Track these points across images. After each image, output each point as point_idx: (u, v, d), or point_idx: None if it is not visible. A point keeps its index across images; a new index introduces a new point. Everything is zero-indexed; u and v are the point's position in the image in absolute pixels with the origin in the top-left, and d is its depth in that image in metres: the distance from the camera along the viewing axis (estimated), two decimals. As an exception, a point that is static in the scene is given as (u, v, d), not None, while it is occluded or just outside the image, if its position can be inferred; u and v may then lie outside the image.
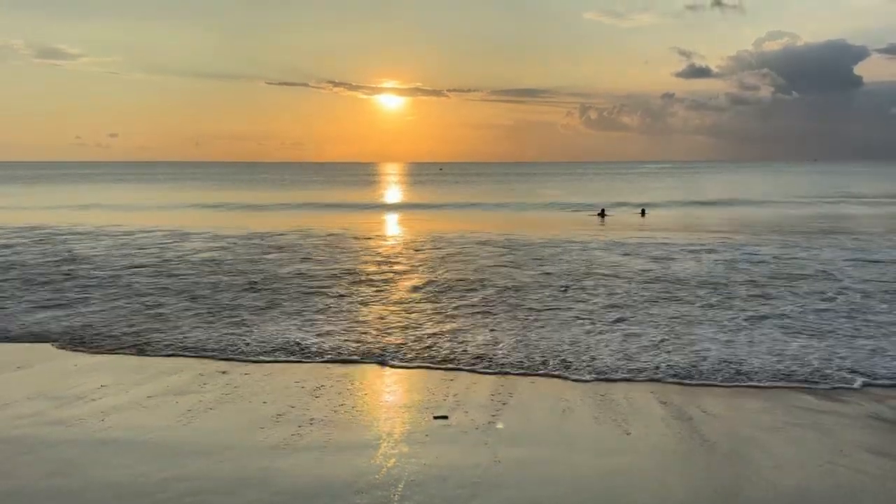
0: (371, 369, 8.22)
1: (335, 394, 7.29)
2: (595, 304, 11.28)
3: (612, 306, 11.10)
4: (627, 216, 29.47)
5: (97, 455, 5.92)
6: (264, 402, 7.07)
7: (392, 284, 13.31)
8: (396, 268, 15.40)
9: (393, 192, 55.57)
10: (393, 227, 26.42)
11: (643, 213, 30.89)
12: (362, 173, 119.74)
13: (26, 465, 5.73)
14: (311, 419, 6.58)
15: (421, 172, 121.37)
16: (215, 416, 6.74)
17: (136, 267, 15.61)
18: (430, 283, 13.33)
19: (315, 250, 18.42)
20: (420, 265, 15.72)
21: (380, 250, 18.71)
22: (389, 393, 7.51)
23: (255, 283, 13.36)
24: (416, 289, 12.76)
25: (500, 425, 6.46)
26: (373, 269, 15.25)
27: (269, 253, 17.84)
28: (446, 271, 14.67)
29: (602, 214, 29.80)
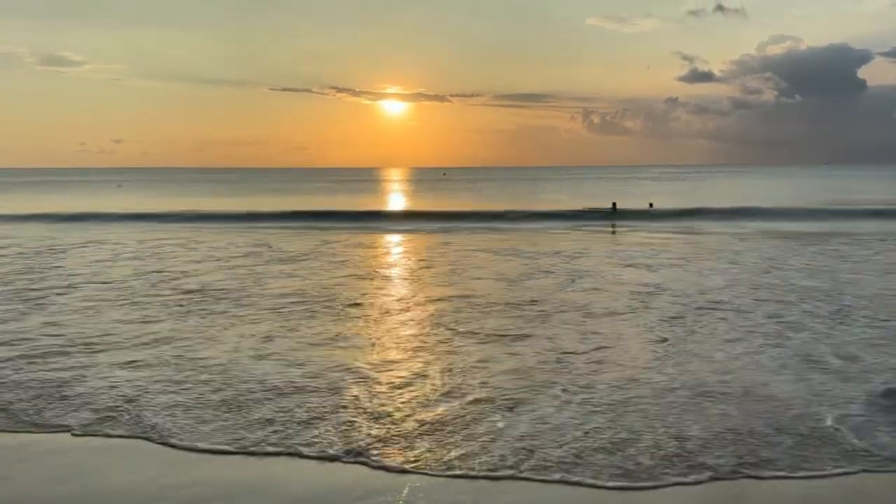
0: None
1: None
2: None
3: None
4: (636, 225, 29.52)
5: (98, 461, 5.97)
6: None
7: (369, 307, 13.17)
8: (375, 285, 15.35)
9: (394, 198, 55.56)
10: (388, 238, 26.32)
11: (651, 206, 33.31)
12: (366, 179, 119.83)
13: (27, 472, 5.77)
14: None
15: (424, 178, 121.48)
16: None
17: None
18: (411, 303, 12.98)
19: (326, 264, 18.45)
20: (407, 279, 15.72)
21: (377, 261, 18.77)
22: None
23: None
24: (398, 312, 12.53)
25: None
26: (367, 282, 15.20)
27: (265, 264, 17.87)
28: (436, 285, 14.58)
29: (613, 208, 32.08)
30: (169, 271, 16.13)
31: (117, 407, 7.11)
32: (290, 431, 6.41)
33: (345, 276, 15.15)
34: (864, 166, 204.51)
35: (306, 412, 6.86)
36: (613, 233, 25.72)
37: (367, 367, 8.35)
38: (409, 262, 17.79)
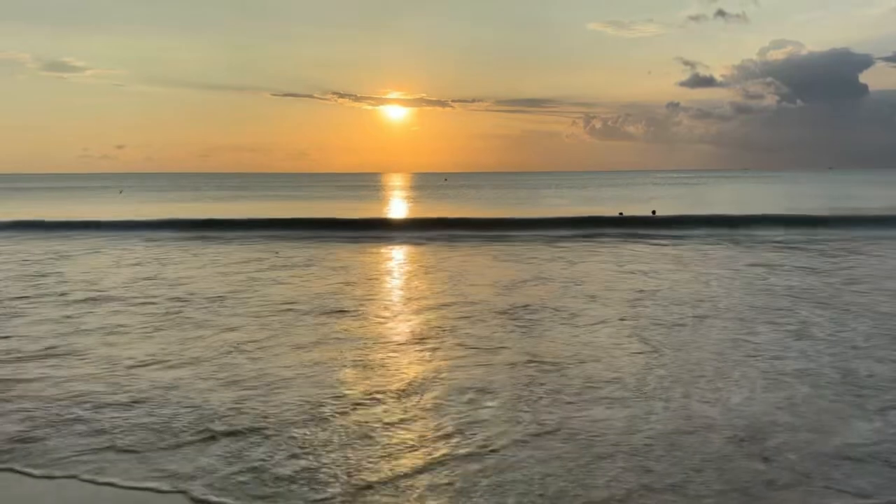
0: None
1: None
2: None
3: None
4: (639, 232, 29.29)
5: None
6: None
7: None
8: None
9: (396, 205, 55.54)
10: (388, 244, 26.13)
11: (653, 214, 33.08)
12: (368, 184, 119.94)
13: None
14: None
15: (426, 184, 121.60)
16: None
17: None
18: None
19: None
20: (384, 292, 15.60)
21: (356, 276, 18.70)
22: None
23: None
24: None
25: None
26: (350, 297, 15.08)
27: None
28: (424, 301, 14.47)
29: (620, 216, 32.08)
30: (165, 278, 16.17)
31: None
32: (208, 470, 5.85)
33: (337, 284, 15.14)
34: (869, 171, 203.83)
35: (234, 444, 6.31)
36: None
37: (320, 388, 7.86)
38: (406, 269, 17.81)
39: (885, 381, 7.92)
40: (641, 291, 13.67)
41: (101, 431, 6.70)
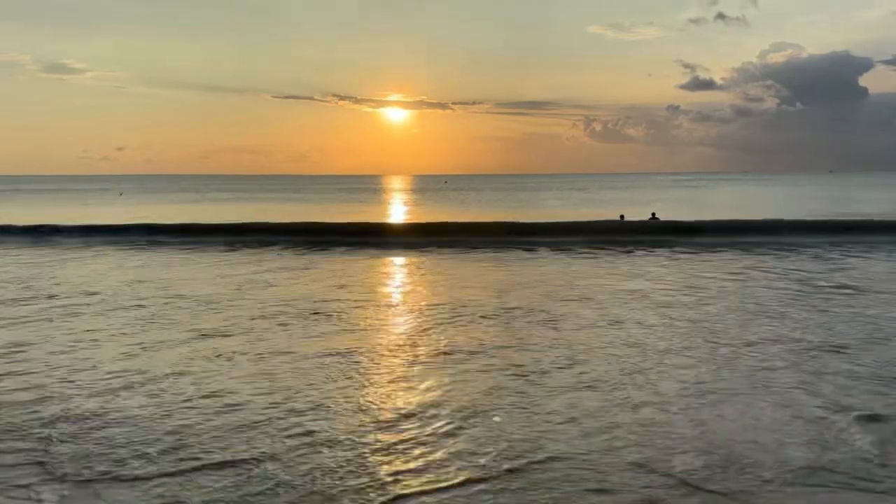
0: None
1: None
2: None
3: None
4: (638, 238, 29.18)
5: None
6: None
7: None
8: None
9: (397, 209, 55.55)
10: (386, 248, 26.04)
11: (653, 216, 32.46)
12: (368, 187, 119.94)
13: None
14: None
15: (426, 186, 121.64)
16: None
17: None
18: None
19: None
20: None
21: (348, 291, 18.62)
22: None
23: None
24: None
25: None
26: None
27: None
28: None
29: (622, 220, 31.86)
30: (161, 280, 16.13)
31: None
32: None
33: (331, 287, 15.07)
34: (869, 173, 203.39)
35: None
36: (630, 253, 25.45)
37: (275, 405, 7.40)
38: (404, 273, 17.84)
39: (872, 389, 7.87)
40: (632, 292, 13.65)
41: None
